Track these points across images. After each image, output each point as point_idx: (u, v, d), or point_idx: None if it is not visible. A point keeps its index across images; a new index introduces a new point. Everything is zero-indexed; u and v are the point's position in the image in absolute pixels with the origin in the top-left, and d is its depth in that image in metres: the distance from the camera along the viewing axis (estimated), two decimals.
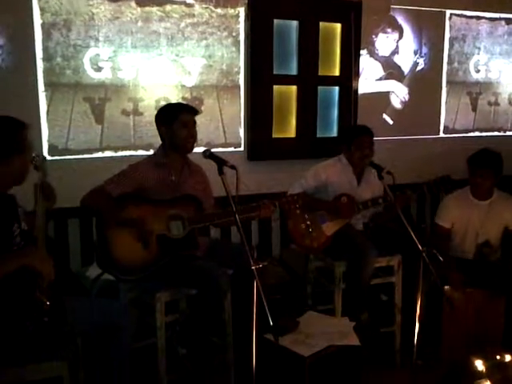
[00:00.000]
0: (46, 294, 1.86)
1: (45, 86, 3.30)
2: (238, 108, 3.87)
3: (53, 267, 1.86)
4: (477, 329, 2.94)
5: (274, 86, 3.92)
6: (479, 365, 2.43)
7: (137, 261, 2.49)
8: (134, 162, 2.72)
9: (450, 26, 4.54)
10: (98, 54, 3.41)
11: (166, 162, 2.68)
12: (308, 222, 3.11)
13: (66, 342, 2.07)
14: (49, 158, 3.36)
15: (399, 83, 4.43)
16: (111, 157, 3.51)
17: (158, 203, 2.56)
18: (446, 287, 2.91)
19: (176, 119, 2.64)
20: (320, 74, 4.06)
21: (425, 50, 4.47)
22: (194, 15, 3.61)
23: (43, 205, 2.01)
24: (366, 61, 4.25)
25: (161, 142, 2.78)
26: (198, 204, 2.63)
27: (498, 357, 2.49)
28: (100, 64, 3.42)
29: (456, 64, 4.63)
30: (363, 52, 4.21)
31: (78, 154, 3.45)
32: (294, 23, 3.94)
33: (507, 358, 2.48)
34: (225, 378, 2.73)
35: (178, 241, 2.53)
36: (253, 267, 1.93)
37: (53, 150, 3.38)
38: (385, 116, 4.42)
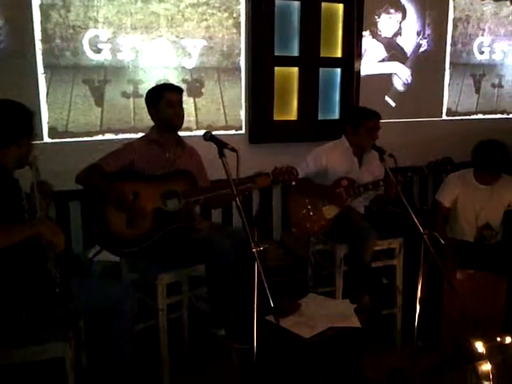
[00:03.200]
0: (56, 267, 1.91)
1: (44, 67, 3.28)
2: (239, 90, 3.84)
3: (63, 237, 1.92)
4: (477, 311, 2.94)
5: (276, 68, 3.89)
6: (479, 346, 2.43)
7: (134, 234, 2.51)
8: (129, 141, 2.77)
9: (454, 7, 4.48)
10: (97, 36, 3.37)
11: (159, 139, 2.72)
12: (308, 206, 3.10)
13: (69, 323, 2.09)
14: (49, 140, 3.37)
15: (402, 65, 4.38)
16: (111, 140, 3.49)
17: (153, 178, 2.62)
18: None
19: (161, 98, 2.68)
20: (322, 55, 4.02)
21: (428, 31, 4.41)
22: None
23: (42, 203, 2.06)
24: (368, 42, 4.20)
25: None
26: (192, 178, 2.67)
27: (498, 338, 2.49)
28: (99, 45, 3.39)
29: (460, 45, 4.58)
30: (365, 33, 4.16)
31: (78, 137, 3.44)
32: (296, 4, 3.89)
33: (507, 339, 2.48)
34: (227, 359, 2.75)
35: (173, 214, 2.57)
36: (253, 250, 1.93)
37: (53, 132, 3.37)
38: (387, 98, 4.38)
